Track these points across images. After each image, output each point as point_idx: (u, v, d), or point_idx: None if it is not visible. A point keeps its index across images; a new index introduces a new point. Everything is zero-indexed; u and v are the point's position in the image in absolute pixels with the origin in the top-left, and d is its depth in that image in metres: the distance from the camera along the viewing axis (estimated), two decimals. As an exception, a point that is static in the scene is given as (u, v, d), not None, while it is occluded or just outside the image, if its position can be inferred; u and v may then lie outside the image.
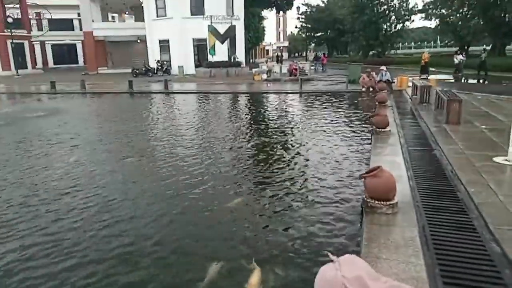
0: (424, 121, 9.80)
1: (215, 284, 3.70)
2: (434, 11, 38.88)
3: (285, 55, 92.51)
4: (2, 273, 3.91)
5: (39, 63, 51.13)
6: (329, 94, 18.77)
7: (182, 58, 34.35)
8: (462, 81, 22.99)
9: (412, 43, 76.52)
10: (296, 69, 27.89)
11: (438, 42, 70.05)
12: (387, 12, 45.91)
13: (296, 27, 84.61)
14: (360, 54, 52.63)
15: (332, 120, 11.85)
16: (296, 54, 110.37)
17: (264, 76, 27.42)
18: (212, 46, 31.10)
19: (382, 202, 4.33)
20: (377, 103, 12.48)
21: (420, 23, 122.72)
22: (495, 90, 15.46)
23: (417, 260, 3.37)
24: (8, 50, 41.72)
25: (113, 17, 55.30)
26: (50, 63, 54.38)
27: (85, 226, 4.91)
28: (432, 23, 44.59)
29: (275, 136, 10.05)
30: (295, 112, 14.59)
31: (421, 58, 26.23)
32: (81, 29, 44.55)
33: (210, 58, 31.68)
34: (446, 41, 53.32)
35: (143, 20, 37.88)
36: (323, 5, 69.80)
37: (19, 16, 45.10)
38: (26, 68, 44.12)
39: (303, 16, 72.27)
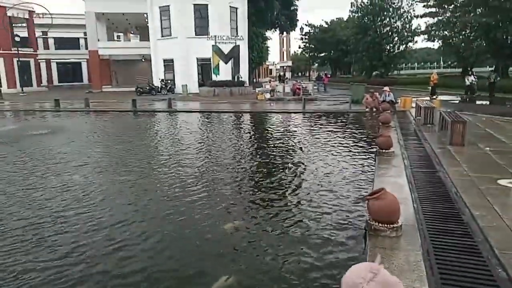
0: (428, 142, 9.76)
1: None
2: (437, 32, 39.20)
3: (289, 74, 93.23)
4: None
5: (44, 81, 51.76)
6: (333, 114, 18.80)
7: (186, 77, 34.68)
8: (466, 101, 23.02)
9: (416, 64, 77.14)
10: (299, 89, 28.07)
11: (442, 63, 70.56)
12: (390, 33, 46.38)
13: (299, 47, 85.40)
14: (363, 74, 52.98)
15: (335, 141, 11.80)
16: (300, 74, 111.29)
17: (268, 96, 27.57)
18: (216, 65, 31.48)
19: (385, 225, 4.27)
20: (380, 123, 12.46)
21: (424, 44, 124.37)
22: (499, 112, 15.44)
23: (422, 285, 3.30)
24: (14, 68, 42.38)
25: (118, 37, 56.13)
26: (55, 81, 55.02)
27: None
28: (435, 44, 44.99)
29: (278, 158, 9.99)
30: (298, 132, 14.56)
31: (430, 79, 26.31)
32: (86, 48, 45.21)
33: (214, 77, 32.01)
34: (450, 62, 53.64)
35: (148, 40, 38.44)
36: (326, 25, 70.68)
37: (26, 35, 45.96)
38: (31, 85, 44.74)
39: (307, 37, 73.19)
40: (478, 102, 22.23)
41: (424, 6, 39.18)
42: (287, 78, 65.25)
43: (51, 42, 55.55)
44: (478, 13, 32.16)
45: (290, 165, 9.03)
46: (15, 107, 26.57)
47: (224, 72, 31.68)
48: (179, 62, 35.29)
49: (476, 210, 4.97)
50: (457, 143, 9.03)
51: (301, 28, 56.18)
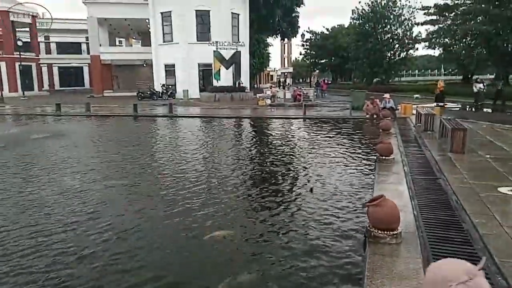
0: (428, 149, 9.76)
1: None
2: (437, 40, 39.33)
3: (290, 81, 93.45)
4: None
5: (46, 85, 51.93)
6: (333, 120, 18.82)
7: (187, 82, 34.76)
8: (467, 109, 22.99)
9: (416, 71, 77.24)
10: (300, 95, 28.14)
11: (442, 70, 70.72)
12: (391, 40, 46.52)
13: (300, 53, 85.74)
14: (364, 81, 53.07)
15: (335, 148, 11.80)
16: (301, 80, 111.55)
17: (268, 101, 27.62)
18: (217, 71, 31.58)
19: (385, 232, 4.26)
20: (381, 130, 12.46)
21: (424, 51, 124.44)
22: (500, 119, 15.44)
23: (422, 293, 3.27)
24: (16, 72, 42.57)
25: (120, 42, 56.37)
26: (57, 86, 55.14)
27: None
28: (436, 52, 45.08)
29: (278, 164, 9.98)
30: (298, 138, 14.57)
31: (437, 86, 26.24)
32: (88, 53, 45.40)
33: (215, 83, 32.10)
34: (450, 70, 53.73)
35: (149, 45, 38.59)
36: (327, 32, 70.91)
37: (29, 40, 46.19)
38: (33, 90, 44.92)
39: (308, 43, 73.38)
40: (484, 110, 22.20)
41: (424, 13, 39.37)
42: (288, 84, 65.43)
43: (53, 46, 55.81)
44: (478, 21, 32.31)
45: (289, 171, 9.02)
46: (16, 111, 26.62)
47: (225, 78, 31.77)
48: (180, 67, 35.39)
49: (476, 217, 4.96)
50: (458, 151, 9.03)
51: (302, 35, 56.39)
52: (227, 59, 31.66)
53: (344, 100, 30.21)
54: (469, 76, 39.35)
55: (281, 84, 52.37)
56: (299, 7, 46.82)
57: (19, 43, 40.56)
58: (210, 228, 5.45)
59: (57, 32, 53.72)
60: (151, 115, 23.05)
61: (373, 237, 4.30)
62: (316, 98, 32.72)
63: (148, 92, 34.59)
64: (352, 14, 50.18)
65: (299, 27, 50.62)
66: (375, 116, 18.11)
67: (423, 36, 43.04)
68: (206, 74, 35.31)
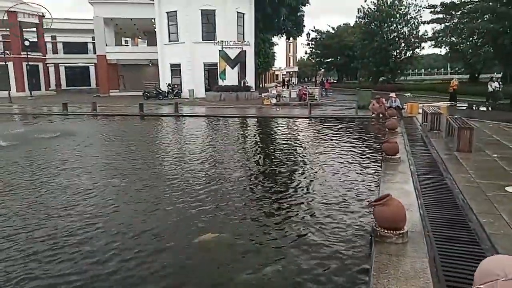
0: (434, 148, 9.71)
1: None
2: (444, 38, 39.10)
3: (295, 80, 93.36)
4: None
5: (53, 85, 52.30)
6: (339, 119, 18.78)
7: (193, 82, 34.84)
8: (473, 108, 22.80)
9: (423, 70, 76.89)
10: (305, 94, 28.09)
11: (449, 69, 70.32)
12: (397, 39, 46.35)
13: (306, 52, 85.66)
14: (370, 80, 52.91)
15: (340, 147, 11.78)
16: (306, 79, 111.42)
17: (274, 101, 27.61)
18: (223, 70, 31.64)
19: (391, 231, 4.25)
20: (387, 129, 12.42)
21: (430, 50, 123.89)
22: (506, 118, 15.33)
23: (428, 292, 3.27)
24: (23, 72, 42.91)
25: (126, 41, 56.62)
26: (63, 85, 55.52)
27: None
28: (442, 51, 44.79)
29: (283, 162, 9.98)
30: (304, 137, 14.58)
31: (450, 85, 26.06)
32: (94, 52, 45.64)
33: (221, 82, 32.15)
34: (457, 68, 53.38)
35: (155, 45, 38.70)
36: (332, 31, 70.77)
37: (35, 40, 46.54)
38: (40, 89, 45.27)
39: (313, 42, 73.29)
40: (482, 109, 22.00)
41: (431, 12, 39.15)
42: (292, 83, 65.36)
43: (59, 46, 56.18)
44: (485, 19, 32.05)
45: (294, 169, 9.01)
46: (24, 110, 26.84)
47: (231, 77, 31.81)
48: (186, 67, 35.45)
49: (483, 217, 4.93)
50: (464, 150, 8.98)
51: (308, 34, 56.38)
52: (232, 58, 31.71)
53: (350, 99, 30.14)
54: (476, 75, 39.06)
55: (286, 83, 52.30)
56: (304, 6, 46.80)
57: (26, 43, 40.86)
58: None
59: (64, 32, 54.13)
60: (157, 114, 23.12)
61: (379, 236, 4.29)
62: (321, 97, 32.70)
63: (154, 92, 34.70)
64: (358, 13, 50.16)
65: (304, 26, 50.65)
66: (381, 115, 18.04)
67: (430, 34, 42.83)
68: (211, 73, 35.36)
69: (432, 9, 38.73)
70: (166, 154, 11.42)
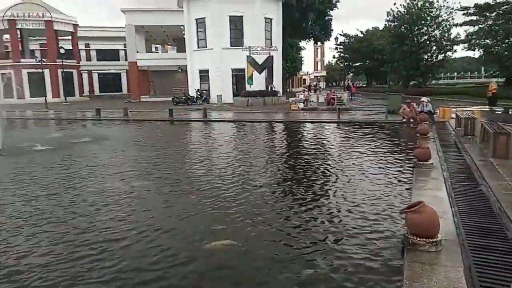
0: (468, 154, 9.43)
1: None
2: (477, 41, 37.96)
3: (323, 84, 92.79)
4: None
5: (86, 91, 54.17)
6: (368, 124, 18.52)
7: (221, 87, 35.21)
8: (509, 113, 21.93)
9: (455, 73, 74.84)
10: (333, 99, 27.84)
11: (483, 72, 68.15)
12: (428, 42, 45.30)
13: (334, 57, 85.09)
14: (400, 84, 51.91)
15: (371, 152, 11.59)
16: (334, 84, 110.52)
17: (301, 105, 27.52)
18: (250, 76, 31.86)
19: (424, 239, 4.15)
20: (418, 134, 12.15)
21: (463, 53, 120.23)
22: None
23: (463, 303, 3.18)
24: (59, 79, 44.64)
25: (156, 48, 58.02)
26: (96, 91, 57.50)
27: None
28: (476, 53, 43.43)
29: (312, 168, 9.92)
30: (332, 142, 14.44)
31: (488, 89, 25.31)
32: (126, 59, 46.94)
33: (248, 87, 32.35)
34: (491, 71, 51.62)
35: (184, 51, 39.40)
36: (361, 35, 69.96)
37: (70, 47, 48.38)
38: (74, 95, 46.96)
39: (341, 46, 72.65)
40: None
41: (464, 14, 38.12)
42: (320, 87, 64.93)
43: (93, 54, 58.28)
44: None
45: (325, 174, 8.95)
46: (59, 115, 27.91)
47: (258, 82, 31.97)
48: (214, 72, 35.89)
49: (521, 226, 4.75)
50: (501, 156, 8.67)
51: (336, 38, 55.90)
52: (260, 63, 31.89)
53: (379, 104, 29.68)
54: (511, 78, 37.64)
55: (313, 87, 52.05)
56: (332, 10, 46.53)
57: (62, 50, 42.48)
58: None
59: (97, 40, 56.20)
60: (186, 119, 23.50)
61: (412, 244, 4.20)
62: (349, 101, 32.36)
63: (183, 97, 35.31)
64: (387, 16, 49.27)
65: (332, 30, 50.33)
66: (412, 120, 17.66)
67: (462, 37, 41.70)
68: (239, 79, 35.64)
69: (465, 11, 37.72)
70: (195, 159, 11.58)
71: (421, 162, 8.01)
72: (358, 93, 46.71)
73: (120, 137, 16.95)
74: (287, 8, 38.59)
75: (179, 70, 43.35)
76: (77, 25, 49.33)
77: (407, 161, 9.75)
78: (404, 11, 46.02)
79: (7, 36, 47.10)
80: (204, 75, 37.15)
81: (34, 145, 13.76)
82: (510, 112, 22.08)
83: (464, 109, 20.48)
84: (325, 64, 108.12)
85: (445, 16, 43.61)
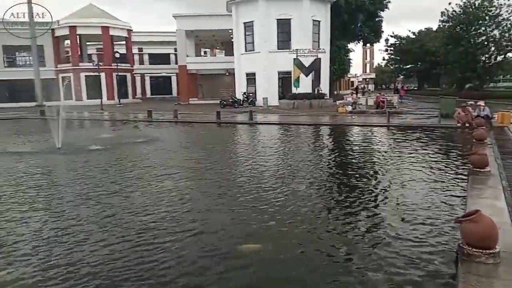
0: (530, 161, 8.84)
1: None
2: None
3: (372, 87, 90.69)
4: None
5: (138, 93, 56.49)
6: (420, 128, 17.86)
7: (267, 90, 35.33)
8: None
9: (516, 76, 70.30)
10: (383, 102, 27.06)
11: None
12: (486, 43, 42.93)
13: (383, 59, 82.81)
14: (454, 87, 49.57)
15: (423, 158, 11.15)
16: (383, 86, 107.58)
17: (349, 108, 27.01)
18: (297, 78, 31.71)
19: (481, 250, 3.94)
20: (474, 140, 11.55)
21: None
22: None
23: (525, 321, 2.99)
24: (113, 82, 46.90)
25: (205, 52, 59.42)
26: (148, 93, 59.87)
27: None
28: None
29: (359, 174, 9.72)
30: (382, 147, 14.05)
31: None
32: (176, 63, 48.41)
33: (294, 90, 32.23)
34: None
35: (232, 55, 39.99)
36: (413, 36, 67.61)
37: (124, 52, 50.68)
38: (127, 97, 49.11)
39: (392, 48, 70.64)
40: None
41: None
42: (368, 90, 63.39)
43: (145, 58, 60.73)
44: None
45: (372, 181, 8.73)
46: (113, 117, 29.32)
47: (304, 85, 31.76)
48: (261, 75, 36.09)
49: None
50: None
51: (386, 40, 54.57)
52: (306, 66, 31.66)
53: (431, 108, 28.56)
54: None
55: (360, 90, 50.90)
56: (382, 11, 45.40)
57: (116, 55, 44.53)
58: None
59: (149, 44, 58.53)
60: (233, 122, 23.83)
61: (467, 255, 4.00)
62: (399, 105, 31.38)
63: (230, 100, 35.84)
64: (441, 16, 47.26)
65: (382, 32, 49.10)
66: (467, 124, 16.83)
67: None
68: (285, 81, 35.59)
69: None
70: (241, 161, 11.72)
71: (477, 169, 7.59)
72: (408, 96, 45.19)
73: (171, 138, 17.55)
74: (336, 9, 38.10)
75: (227, 74, 44.07)
76: (131, 30, 51.50)
77: (463, 168, 9.30)
78: (460, 11, 43.92)
79: (67, 41, 50.05)
80: (250, 78, 37.47)
81: (89, 145, 14.52)
82: None
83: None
84: (374, 67, 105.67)
85: (505, 15, 41.13)
